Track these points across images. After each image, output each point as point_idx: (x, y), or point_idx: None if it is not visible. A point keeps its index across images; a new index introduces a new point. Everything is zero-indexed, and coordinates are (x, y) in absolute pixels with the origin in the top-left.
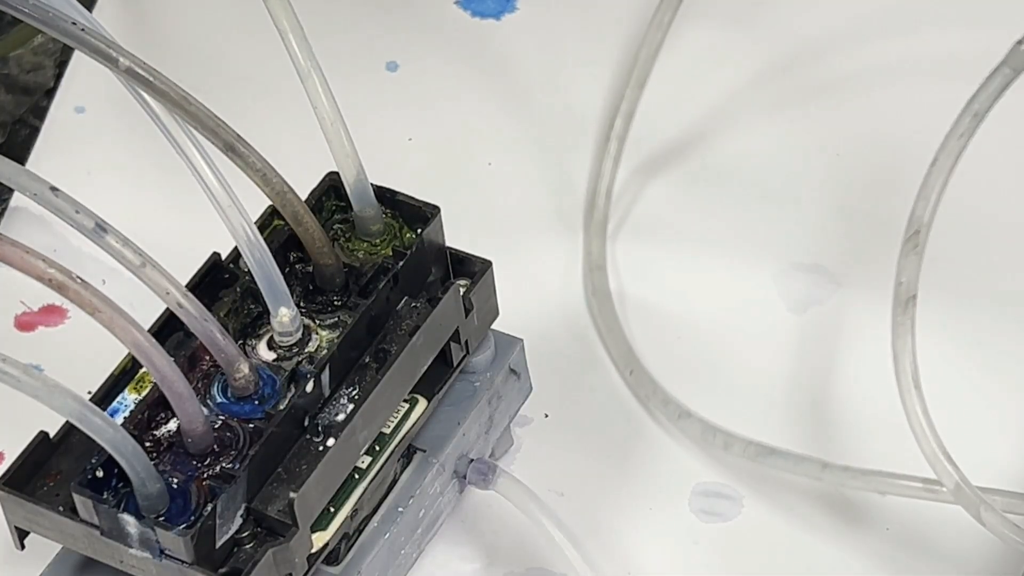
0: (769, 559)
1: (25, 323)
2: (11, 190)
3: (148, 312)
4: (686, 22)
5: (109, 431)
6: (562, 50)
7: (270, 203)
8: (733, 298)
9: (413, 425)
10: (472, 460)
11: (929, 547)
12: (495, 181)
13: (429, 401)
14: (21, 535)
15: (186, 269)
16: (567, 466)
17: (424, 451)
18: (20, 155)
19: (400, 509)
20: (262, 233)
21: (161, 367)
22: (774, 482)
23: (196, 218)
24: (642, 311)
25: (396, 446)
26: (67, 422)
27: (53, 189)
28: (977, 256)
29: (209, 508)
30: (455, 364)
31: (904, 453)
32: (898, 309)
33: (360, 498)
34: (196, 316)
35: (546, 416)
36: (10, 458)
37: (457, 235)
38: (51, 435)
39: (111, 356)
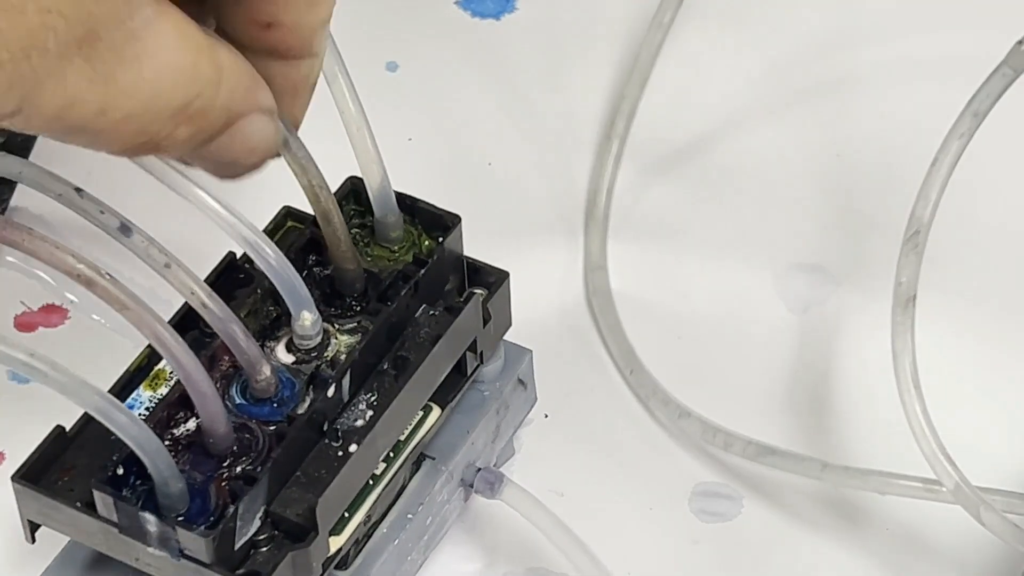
0: (769, 559)
1: (25, 323)
2: (12, 189)
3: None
4: (686, 23)
5: (134, 428)
6: (562, 50)
7: (283, 205)
8: (733, 298)
9: (427, 433)
10: (480, 469)
11: (929, 547)
12: (495, 181)
13: (443, 409)
14: (33, 528)
15: (200, 271)
16: (567, 466)
17: (433, 458)
18: (20, 155)
19: (409, 516)
20: (275, 235)
21: (187, 366)
22: (774, 482)
23: (195, 218)
24: (642, 311)
25: (410, 453)
26: (82, 417)
27: (78, 190)
28: (977, 256)
29: (231, 510)
30: (468, 373)
31: (904, 453)
32: (898, 309)
33: (374, 504)
34: (220, 317)
35: (546, 416)
36: (11, 458)
37: None
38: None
39: (111, 356)
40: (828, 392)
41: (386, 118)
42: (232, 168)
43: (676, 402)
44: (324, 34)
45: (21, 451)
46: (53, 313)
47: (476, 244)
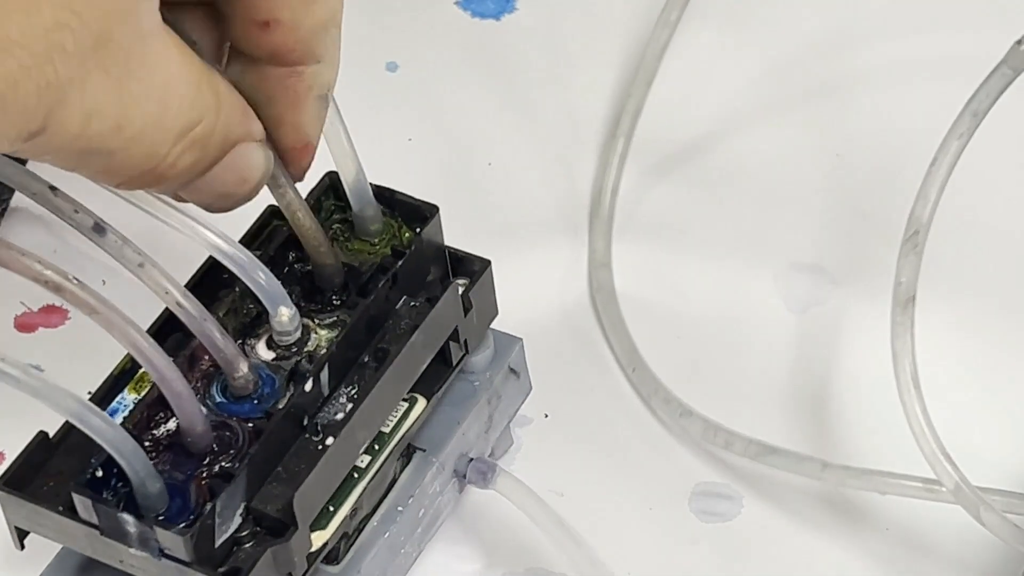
0: (769, 559)
1: (25, 324)
2: (12, 191)
3: (147, 313)
4: (689, 22)
5: (108, 430)
6: (562, 50)
7: (268, 204)
8: (734, 298)
9: (412, 424)
10: (472, 459)
11: (929, 547)
12: (496, 181)
13: (428, 400)
14: (21, 535)
15: (184, 269)
16: (567, 466)
17: (424, 450)
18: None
19: (400, 508)
20: (260, 234)
21: (160, 367)
22: (774, 482)
23: None
24: (644, 310)
25: (395, 445)
26: (67, 422)
27: (52, 188)
28: (977, 256)
29: (208, 507)
30: (454, 363)
31: (904, 453)
32: (898, 309)
33: (359, 497)
34: (195, 316)
35: (546, 416)
36: (10, 458)
37: (459, 235)
38: (51, 435)
39: (111, 357)
40: (828, 392)
41: (386, 118)
42: (226, 200)
43: (677, 401)
44: (328, 39)
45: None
46: (53, 314)
47: (478, 244)
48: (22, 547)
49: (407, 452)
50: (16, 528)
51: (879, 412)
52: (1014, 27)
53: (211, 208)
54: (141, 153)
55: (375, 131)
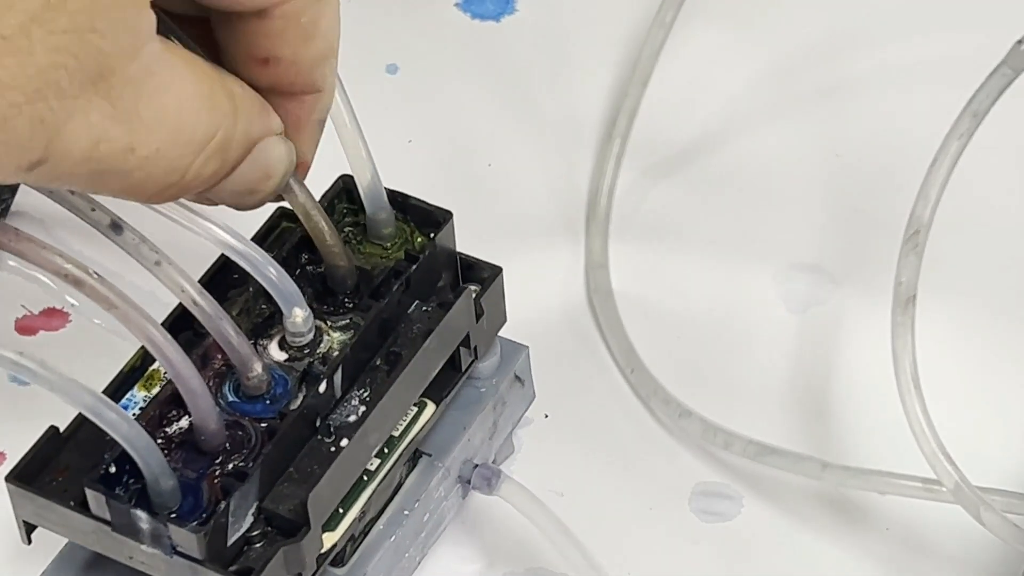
0: (769, 559)
1: (26, 327)
2: (13, 191)
3: None
4: (687, 23)
5: (123, 425)
6: (562, 51)
7: (278, 206)
8: (733, 298)
9: (421, 429)
10: (477, 465)
11: (929, 547)
12: (496, 182)
13: (437, 405)
14: (29, 529)
15: (195, 269)
16: (567, 466)
17: (430, 455)
18: None
19: (406, 512)
20: (270, 235)
21: (176, 363)
22: (774, 482)
23: None
24: (643, 310)
25: (404, 449)
26: (76, 418)
27: None
28: (977, 256)
29: (221, 506)
30: (463, 369)
31: (904, 453)
32: (898, 309)
33: (368, 500)
34: (211, 314)
35: (546, 417)
36: (11, 458)
37: (459, 236)
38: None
39: (112, 360)
40: (828, 392)
41: (387, 120)
42: (251, 197)
43: (677, 401)
44: (328, 69)
45: (22, 452)
46: (54, 317)
47: (478, 244)
48: (29, 541)
49: (413, 457)
50: (24, 522)
51: (879, 412)
52: (1014, 27)
53: (237, 206)
54: (162, 170)
55: (375, 133)
